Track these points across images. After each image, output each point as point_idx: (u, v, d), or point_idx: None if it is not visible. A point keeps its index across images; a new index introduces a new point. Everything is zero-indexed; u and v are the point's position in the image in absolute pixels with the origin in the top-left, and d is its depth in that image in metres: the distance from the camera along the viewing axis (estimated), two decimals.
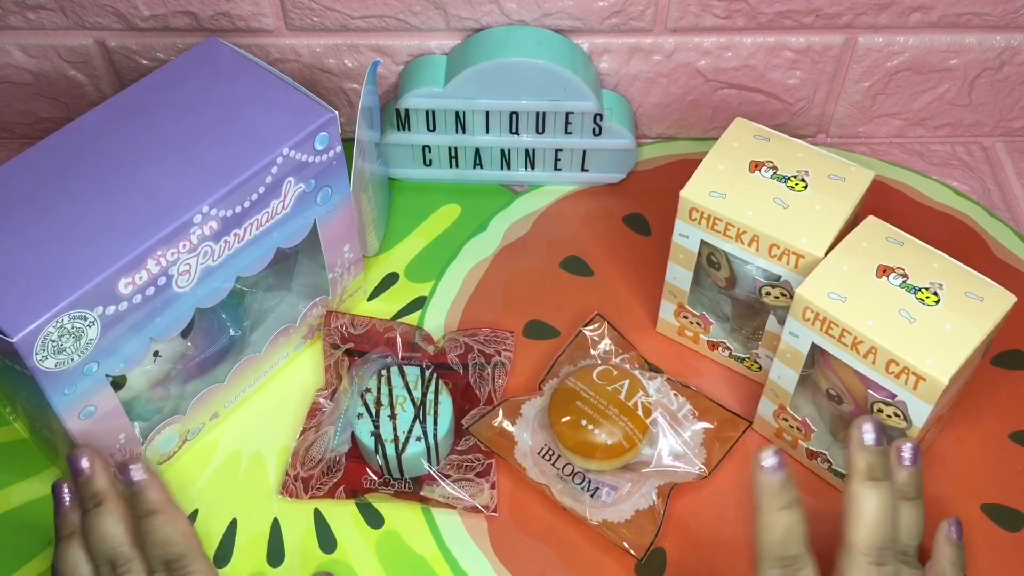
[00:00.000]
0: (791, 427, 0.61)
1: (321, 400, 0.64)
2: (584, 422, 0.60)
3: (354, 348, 0.66)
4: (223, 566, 0.59)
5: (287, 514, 0.61)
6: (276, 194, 0.57)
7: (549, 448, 0.61)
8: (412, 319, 0.70)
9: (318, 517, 0.61)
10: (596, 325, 0.67)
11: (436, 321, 0.70)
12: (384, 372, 0.63)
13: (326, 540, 0.60)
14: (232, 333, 0.64)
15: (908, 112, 0.80)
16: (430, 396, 0.61)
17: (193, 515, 0.61)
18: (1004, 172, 0.80)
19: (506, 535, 0.60)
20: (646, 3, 0.72)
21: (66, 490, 0.53)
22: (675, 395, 0.63)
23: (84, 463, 0.52)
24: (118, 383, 0.57)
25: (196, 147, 0.56)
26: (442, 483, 0.60)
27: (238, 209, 0.55)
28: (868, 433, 0.51)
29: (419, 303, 0.71)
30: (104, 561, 0.50)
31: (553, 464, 0.61)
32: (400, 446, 0.60)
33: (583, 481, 0.60)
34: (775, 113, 0.79)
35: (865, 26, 0.74)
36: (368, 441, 0.60)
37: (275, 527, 0.60)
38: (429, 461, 0.60)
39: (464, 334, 0.67)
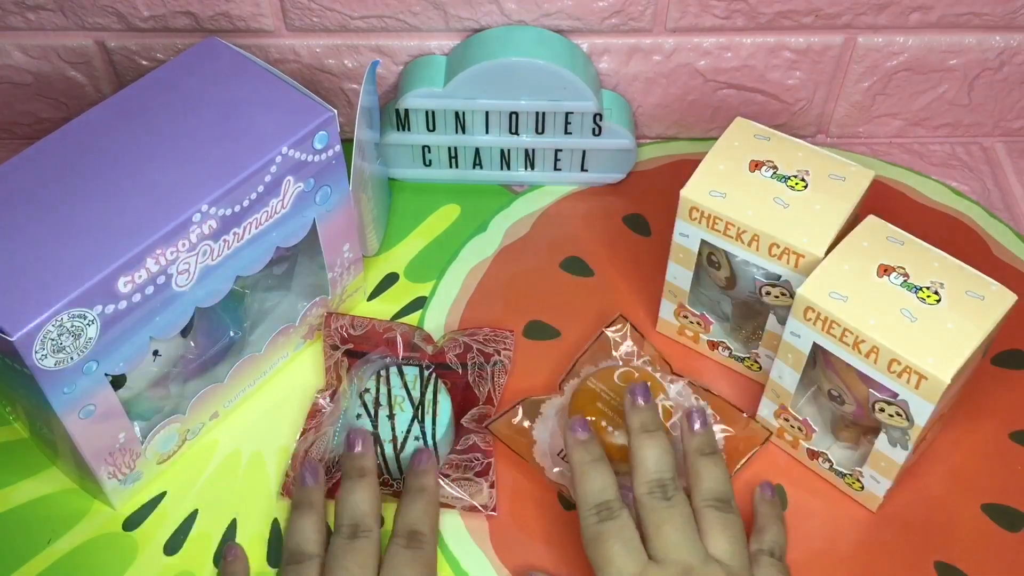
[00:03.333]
0: (792, 427, 0.61)
1: (321, 401, 0.64)
2: (604, 423, 0.60)
3: (354, 349, 0.66)
4: None
5: (287, 514, 0.61)
6: (275, 193, 0.57)
7: None
8: (412, 319, 0.70)
9: None
10: (619, 326, 0.67)
11: (436, 321, 0.70)
12: (383, 372, 0.63)
13: None
14: (232, 334, 0.64)
15: (908, 112, 0.80)
16: (428, 396, 0.61)
17: (193, 515, 0.61)
18: (1004, 172, 0.80)
19: (507, 535, 0.60)
20: (646, 3, 0.72)
21: (311, 470, 0.59)
22: (696, 398, 0.63)
23: (360, 443, 0.59)
24: (118, 382, 0.57)
25: (195, 146, 0.56)
26: (441, 483, 0.60)
27: (237, 208, 0.55)
28: (637, 396, 0.58)
29: (419, 303, 0.71)
30: (348, 523, 0.55)
31: None
32: (398, 446, 0.59)
33: None
34: (775, 113, 0.79)
35: (865, 26, 0.74)
36: None
37: (275, 527, 0.60)
38: None
39: (463, 333, 0.67)
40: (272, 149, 0.56)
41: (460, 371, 0.65)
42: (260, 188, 0.56)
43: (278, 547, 0.59)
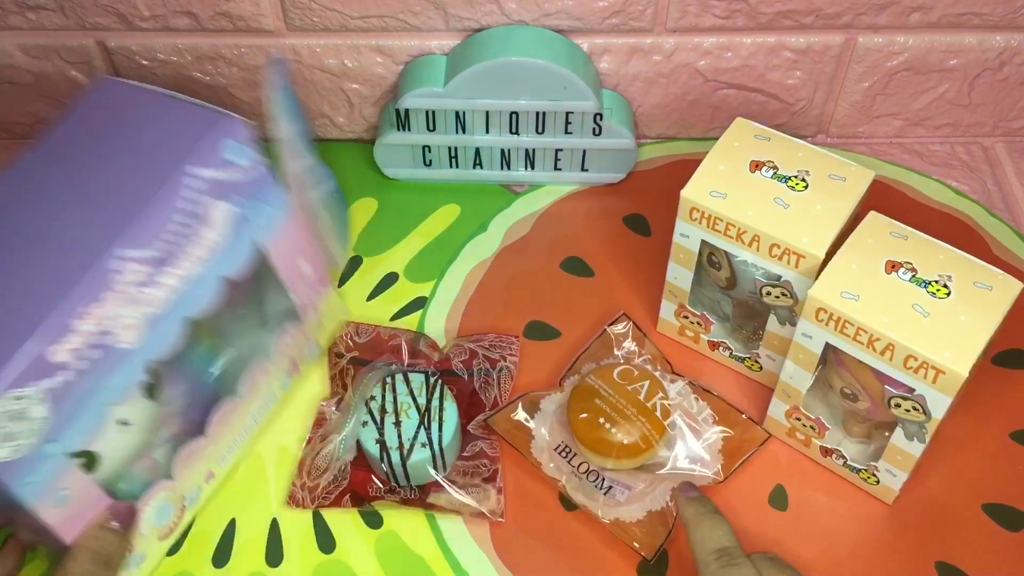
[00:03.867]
0: (804, 426, 0.61)
1: (327, 409, 0.64)
2: (602, 420, 0.60)
3: (359, 357, 0.66)
4: (222, 566, 0.59)
5: (286, 514, 0.61)
6: (202, 220, 0.52)
7: (566, 445, 0.61)
8: (412, 319, 0.70)
9: (317, 518, 0.61)
10: (621, 324, 0.67)
11: (437, 322, 0.69)
12: (389, 379, 0.62)
13: (325, 540, 0.60)
14: (207, 380, 0.59)
15: (908, 112, 0.80)
16: (435, 403, 0.61)
17: (193, 515, 0.61)
18: (1004, 172, 0.80)
19: (508, 536, 0.60)
20: (646, 3, 0.72)
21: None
22: (696, 399, 0.63)
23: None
24: (91, 464, 0.52)
25: (100, 187, 0.51)
26: (448, 489, 0.60)
27: (159, 246, 0.50)
28: (687, 491, 0.57)
29: (419, 303, 0.71)
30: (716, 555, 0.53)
31: (569, 461, 0.61)
32: (405, 453, 0.59)
33: (597, 479, 0.60)
34: (775, 113, 0.79)
35: (865, 26, 0.74)
36: (373, 449, 0.59)
37: (274, 527, 0.60)
38: (435, 468, 0.60)
39: (469, 339, 0.67)
40: (173, 170, 0.50)
41: (466, 377, 0.65)
42: (177, 217, 0.50)
43: (277, 547, 0.59)
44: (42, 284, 0.48)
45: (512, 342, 0.67)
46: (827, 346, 0.56)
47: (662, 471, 0.60)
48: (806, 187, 0.59)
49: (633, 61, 0.75)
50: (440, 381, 0.62)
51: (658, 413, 0.60)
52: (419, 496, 0.60)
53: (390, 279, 0.72)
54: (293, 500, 0.61)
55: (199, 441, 0.58)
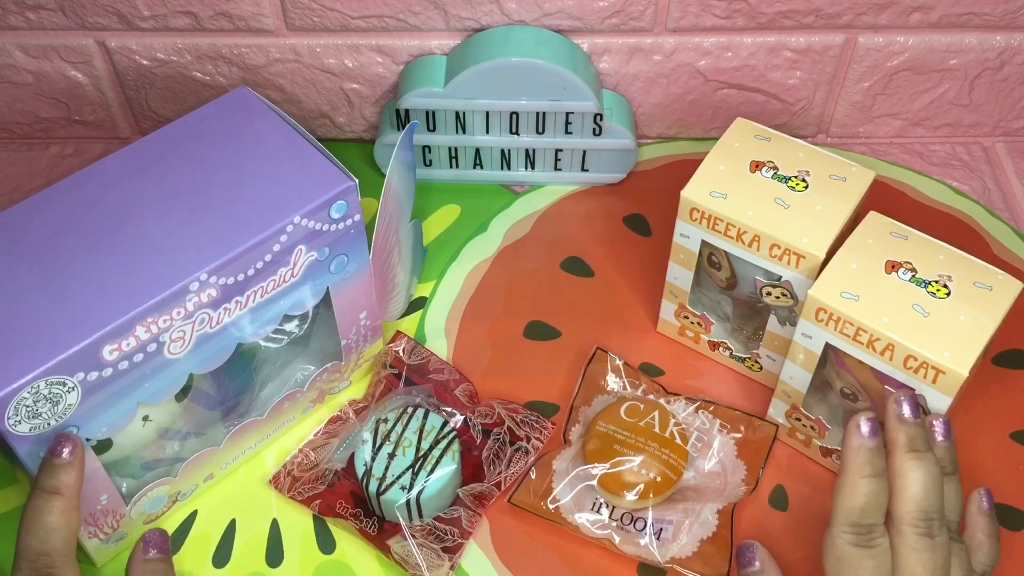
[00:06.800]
0: (804, 426, 0.61)
1: (349, 411, 0.64)
2: (627, 466, 0.58)
3: (400, 374, 0.65)
4: (222, 566, 0.59)
5: (286, 514, 0.61)
6: (284, 262, 0.54)
7: (595, 499, 0.59)
8: (412, 319, 0.70)
9: (317, 517, 0.61)
10: (598, 360, 0.66)
11: (436, 322, 0.69)
12: (410, 410, 0.61)
13: (325, 540, 0.60)
14: (237, 395, 0.60)
15: (908, 112, 0.80)
16: (435, 453, 0.59)
17: (192, 515, 0.61)
18: (1004, 172, 0.80)
19: (509, 535, 0.60)
20: (646, 3, 0.72)
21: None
22: (700, 412, 0.63)
23: (67, 450, 0.49)
24: (103, 445, 0.54)
25: (205, 205, 0.53)
26: (408, 540, 0.58)
27: (240, 277, 0.52)
28: (905, 406, 0.50)
29: (419, 303, 0.71)
30: (29, 558, 0.48)
31: (611, 516, 0.59)
32: (383, 487, 0.58)
33: (642, 524, 0.58)
34: (775, 113, 0.79)
35: (865, 26, 0.74)
36: (359, 468, 0.59)
37: (274, 527, 0.60)
38: (407, 515, 0.58)
39: (505, 404, 0.64)
40: (284, 218, 0.52)
41: (479, 439, 0.62)
42: (268, 257, 0.53)
43: (277, 547, 0.59)
44: (124, 284, 0.50)
45: (547, 426, 0.63)
46: (827, 346, 0.56)
47: (693, 494, 0.59)
48: (806, 187, 0.59)
49: (633, 61, 0.76)
50: (455, 436, 0.60)
51: (677, 440, 0.60)
52: (378, 532, 0.59)
53: None
54: (275, 481, 0.61)
55: (211, 450, 0.59)
